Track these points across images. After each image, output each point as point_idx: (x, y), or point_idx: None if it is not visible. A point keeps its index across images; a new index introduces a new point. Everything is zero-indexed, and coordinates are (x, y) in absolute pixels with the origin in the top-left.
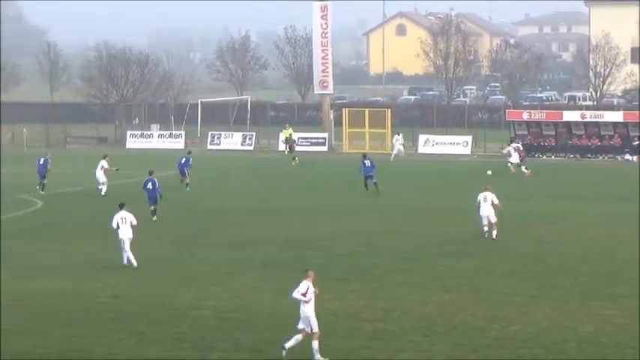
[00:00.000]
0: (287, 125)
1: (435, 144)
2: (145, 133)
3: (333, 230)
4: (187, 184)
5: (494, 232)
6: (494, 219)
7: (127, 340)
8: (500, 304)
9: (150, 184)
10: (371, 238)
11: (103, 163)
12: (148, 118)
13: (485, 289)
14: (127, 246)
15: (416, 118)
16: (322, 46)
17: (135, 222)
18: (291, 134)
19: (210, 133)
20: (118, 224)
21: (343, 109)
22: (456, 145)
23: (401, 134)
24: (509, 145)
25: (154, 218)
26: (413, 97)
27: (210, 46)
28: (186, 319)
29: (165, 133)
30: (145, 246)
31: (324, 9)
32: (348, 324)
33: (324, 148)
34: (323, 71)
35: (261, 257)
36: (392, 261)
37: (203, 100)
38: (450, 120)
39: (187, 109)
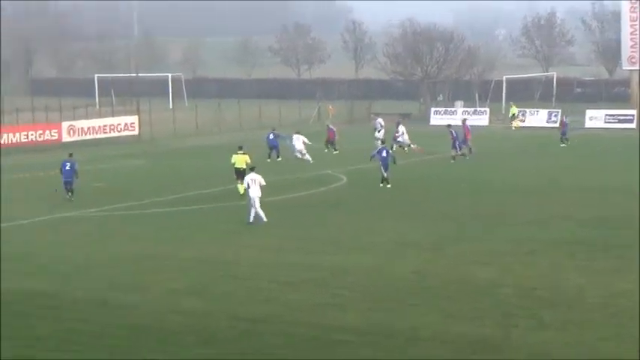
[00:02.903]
0: (511, 103)
1: None
2: (449, 109)
3: None
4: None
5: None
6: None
7: (429, 315)
8: None
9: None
10: None
11: (304, 138)
12: (452, 95)
13: None
14: (257, 204)
15: None
16: (631, 21)
17: (263, 183)
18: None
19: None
20: (248, 184)
21: None
22: None
23: None
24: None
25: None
26: None
27: (516, 23)
28: (488, 296)
29: (469, 109)
30: (443, 225)
31: None
32: None
33: (633, 125)
34: (632, 47)
35: (565, 235)
36: None
37: (507, 76)
38: None
39: (492, 86)
